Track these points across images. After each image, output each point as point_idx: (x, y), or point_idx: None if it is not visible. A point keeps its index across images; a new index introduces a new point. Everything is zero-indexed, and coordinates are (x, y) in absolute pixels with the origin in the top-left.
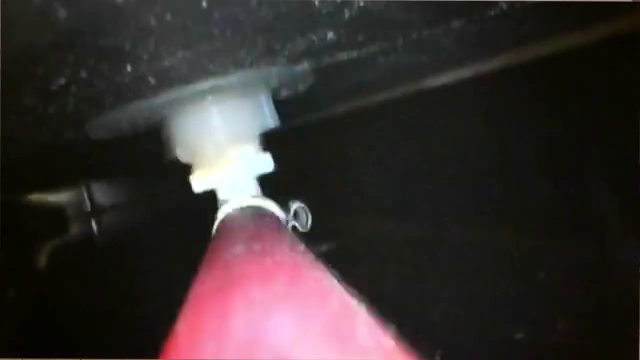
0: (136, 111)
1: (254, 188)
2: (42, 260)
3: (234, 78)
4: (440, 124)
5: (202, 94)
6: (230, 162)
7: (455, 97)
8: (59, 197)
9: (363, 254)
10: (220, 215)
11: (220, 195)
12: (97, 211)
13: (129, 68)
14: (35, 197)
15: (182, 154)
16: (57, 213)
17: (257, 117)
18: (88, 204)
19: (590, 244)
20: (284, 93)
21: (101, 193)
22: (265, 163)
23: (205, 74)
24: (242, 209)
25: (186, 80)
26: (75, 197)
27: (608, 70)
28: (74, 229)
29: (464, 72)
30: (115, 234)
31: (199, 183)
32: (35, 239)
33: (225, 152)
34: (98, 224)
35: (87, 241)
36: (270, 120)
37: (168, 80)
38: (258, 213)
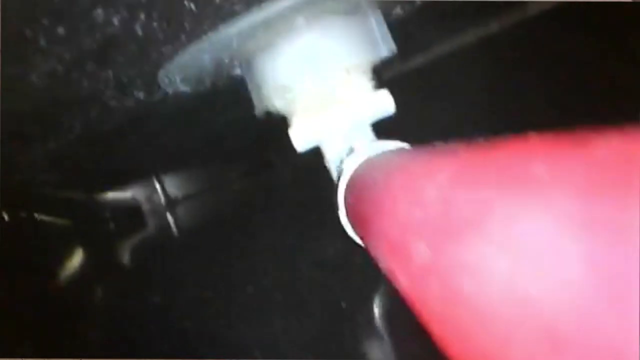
0: (217, 44)
1: (372, 136)
2: (125, 257)
3: None
4: None
5: (292, 13)
6: (341, 105)
7: None
8: (134, 193)
9: None
10: (350, 167)
11: (329, 149)
12: (172, 203)
13: None
14: (111, 194)
15: (275, 101)
16: (133, 209)
17: (369, 43)
18: (162, 197)
19: None
20: (397, 12)
21: (173, 184)
22: (385, 103)
23: None
24: (374, 157)
25: None
26: (149, 191)
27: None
28: (151, 224)
29: None
30: (192, 226)
31: (302, 137)
32: (116, 237)
33: (333, 91)
34: (174, 216)
35: (165, 235)
36: (384, 47)
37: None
38: (399, 151)
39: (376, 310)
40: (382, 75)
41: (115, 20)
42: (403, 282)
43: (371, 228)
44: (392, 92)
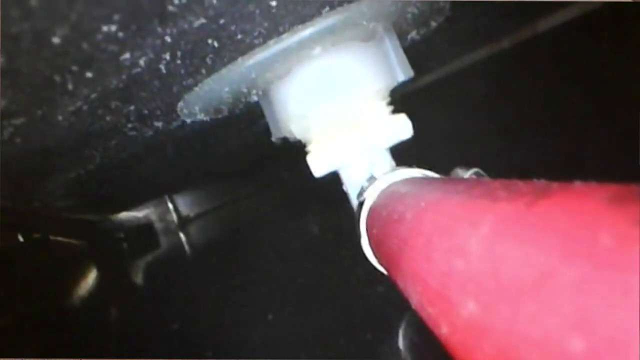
0: (236, 75)
1: (390, 161)
2: (139, 277)
3: (345, 14)
4: None
5: (310, 43)
6: (359, 131)
7: None
8: (147, 212)
9: None
10: (372, 195)
11: (347, 175)
12: (184, 222)
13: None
14: (125, 215)
15: (293, 129)
16: (146, 229)
17: (386, 68)
18: (174, 216)
19: None
20: (411, 35)
21: (185, 203)
22: (403, 128)
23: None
24: (395, 184)
25: (286, 27)
26: (161, 210)
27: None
28: (164, 243)
29: None
30: (204, 243)
31: (320, 163)
32: (130, 256)
33: (351, 117)
34: (186, 234)
35: (177, 253)
36: (400, 72)
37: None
38: (422, 179)
39: (401, 342)
40: (394, 91)
41: (142, 62)
42: (446, 331)
43: (401, 265)
44: (405, 107)
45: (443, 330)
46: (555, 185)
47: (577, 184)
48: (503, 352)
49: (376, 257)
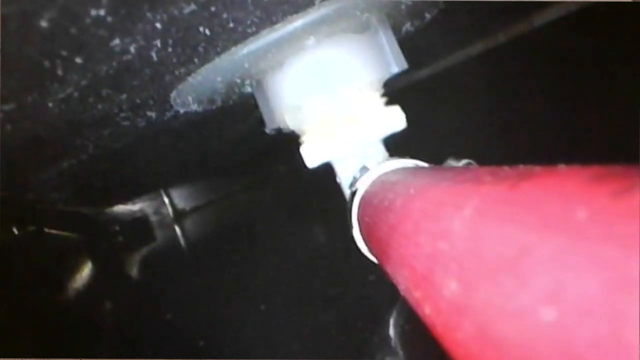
0: (229, 65)
1: (383, 152)
2: (134, 270)
3: (338, 5)
4: None
5: (303, 34)
6: (353, 122)
7: None
8: (142, 206)
9: None
10: (364, 185)
11: (341, 166)
12: (179, 215)
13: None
14: (120, 208)
15: (287, 120)
16: (142, 222)
17: (379, 60)
18: (170, 209)
19: None
20: (406, 27)
21: (180, 197)
22: (397, 120)
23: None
24: (387, 174)
25: (281, 16)
26: (156, 203)
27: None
28: (160, 237)
29: None
30: (199, 237)
31: (313, 154)
32: (125, 249)
33: (344, 109)
34: (181, 228)
35: (173, 247)
36: (394, 64)
37: (262, 20)
38: (413, 169)
39: (392, 330)
40: (390, 86)
41: (132, 49)
42: (430, 313)
43: (389, 252)
44: (401, 102)
45: (427, 311)
46: (538, 168)
47: (561, 166)
48: (481, 329)
49: (367, 246)
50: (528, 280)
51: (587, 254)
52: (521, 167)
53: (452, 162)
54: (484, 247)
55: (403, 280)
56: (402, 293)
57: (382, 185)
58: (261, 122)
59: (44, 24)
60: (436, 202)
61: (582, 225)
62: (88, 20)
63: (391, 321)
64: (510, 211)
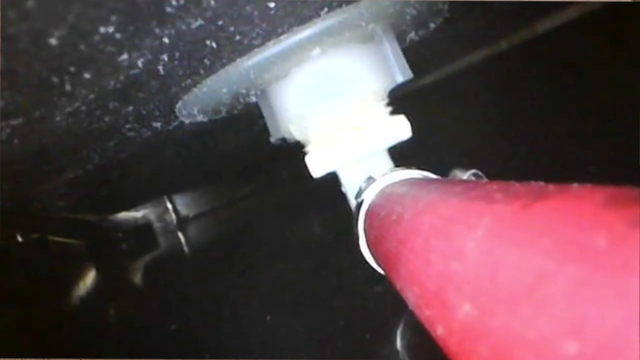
0: (234, 76)
1: (389, 162)
2: (138, 277)
3: (344, 15)
4: None
5: (308, 45)
6: (358, 132)
7: None
8: (146, 212)
9: None
10: (370, 196)
11: (346, 176)
12: (183, 222)
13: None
14: (123, 215)
15: (292, 130)
16: (145, 229)
17: (384, 69)
18: (173, 216)
19: None
20: (410, 36)
21: (184, 203)
22: (402, 129)
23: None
24: (393, 185)
25: (286, 28)
26: (160, 210)
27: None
28: (163, 243)
29: None
30: (203, 244)
31: (318, 164)
32: (129, 256)
33: (350, 119)
34: (185, 235)
35: (176, 253)
36: (399, 73)
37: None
38: (420, 180)
39: (399, 343)
40: (394, 93)
41: (139, 63)
42: (442, 333)
43: (398, 267)
44: (404, 108)
45: (440, 332)
46: (551, 187)
47: (574, 186)
48: (499, 354)
49: (374, 257)
50: (548, 309)
51: (608, 284)
52: (532, 184)
53: (458, 173)
54: (499, 270)
55: (413, 297)
56: (411, 308)
57: (389, 197)
58: (265, 130)
59: (53, 41)
60: (447, 219)
61: (602, 254)
62: (97, 38)
63: (398, 333)
64: (525, 234)
